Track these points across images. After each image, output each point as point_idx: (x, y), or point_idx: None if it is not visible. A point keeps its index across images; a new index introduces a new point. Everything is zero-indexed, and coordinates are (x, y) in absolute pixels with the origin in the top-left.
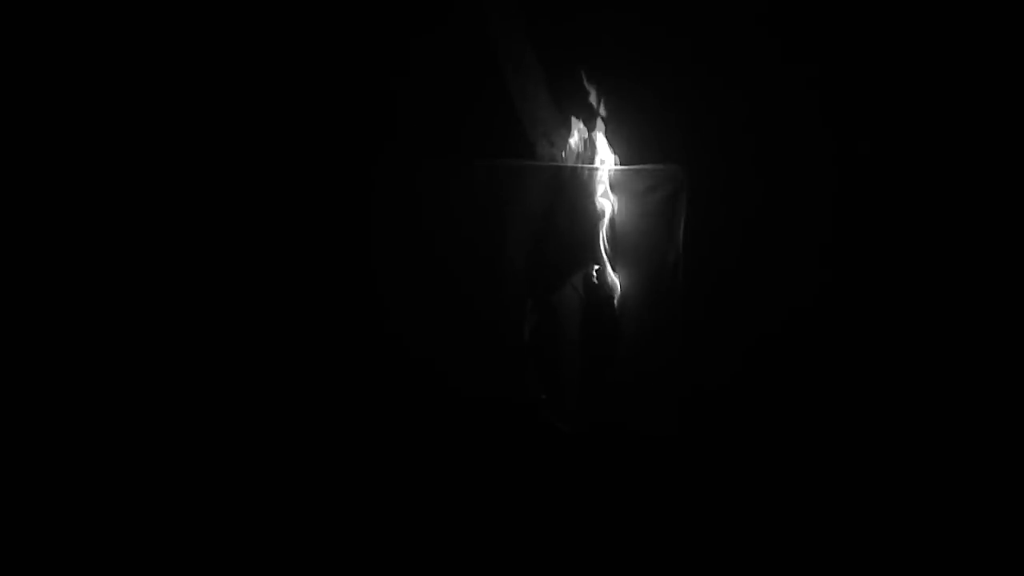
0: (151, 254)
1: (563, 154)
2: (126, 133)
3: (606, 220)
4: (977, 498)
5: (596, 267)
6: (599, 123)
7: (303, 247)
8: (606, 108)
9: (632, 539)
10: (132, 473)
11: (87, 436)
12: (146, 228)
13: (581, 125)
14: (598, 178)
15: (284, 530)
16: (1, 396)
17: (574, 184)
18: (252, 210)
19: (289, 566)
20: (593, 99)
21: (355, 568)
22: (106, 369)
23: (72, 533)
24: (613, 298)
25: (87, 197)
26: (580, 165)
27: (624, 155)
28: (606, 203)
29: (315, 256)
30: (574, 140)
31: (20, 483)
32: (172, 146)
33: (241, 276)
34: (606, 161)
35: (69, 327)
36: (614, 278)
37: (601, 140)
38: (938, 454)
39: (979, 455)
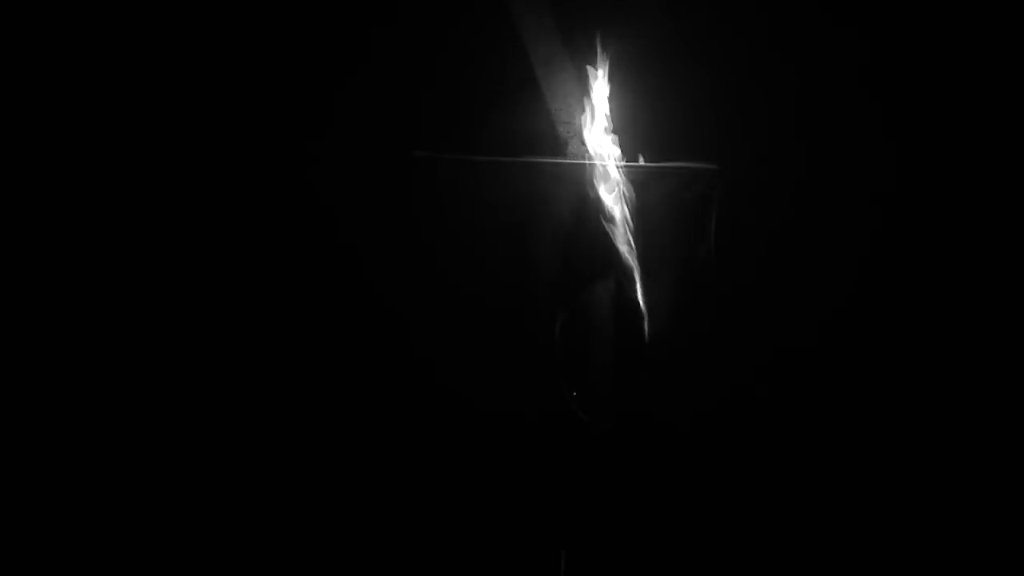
0: (150, 255)
1: (594, 152)
2: (118, 134)
3: (637, 219)
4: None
5: (626, 266)
6: (631, 121)
7: (320, 248)
8: (639, 106)
9: (651, 539)
10: (134, 473)
11: (88, 436)
12: (145, 228)
13: (613, 123)
14: (629, 176)
15: (293, 531)
16: (1, 396)
17: (605, 182)
18: (264, 211)
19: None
20: (625, 97)
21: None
22: (108, 369)
23: (72, 533)
24: (643, 297)
25: (82, 198)
26: (611, 163)
27: (656, 153)
28: (637, 201)
29: (335, 256)
30: (606, 138)
31: (20, 483)
32: (175, 145)
33: (256, 278)
34: (638, 159)
35: (69, 328)
36: (645, 277)
37: (633, 138)
38: (959, 454)
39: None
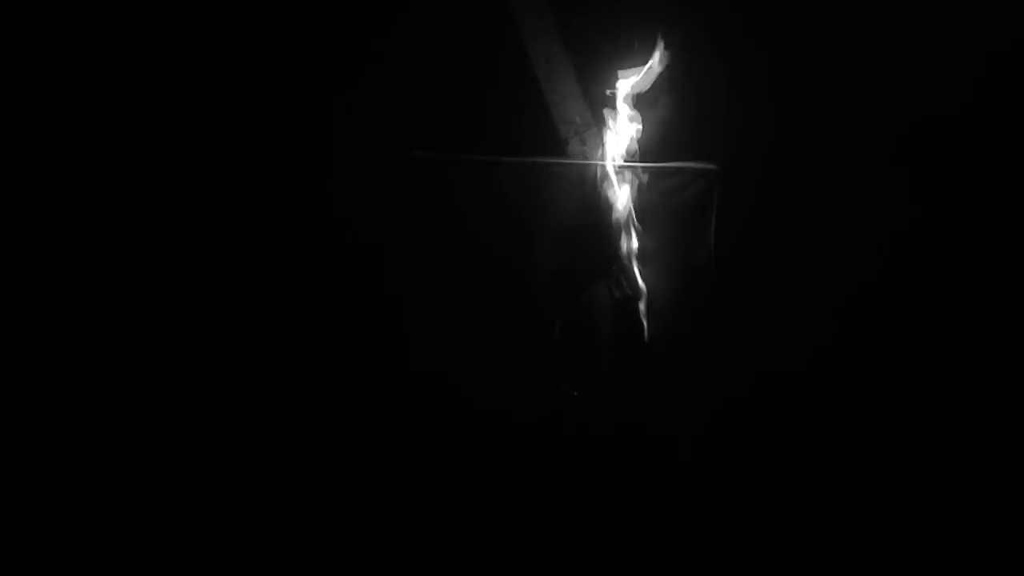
0: (153, 255)
1: (594, 152)
2: (122, 134)
3: (637, 218)
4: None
5: (627, 266)
6: (631, 121)
7: (320, 247)
8: (638, 106)
9: (650, 540)
10: (133, 473)
11: (88, 436)
12: (148, 228)
13: (613, 123)
14: (630, 176)
15: (291, 532)
16: (1, 396)
17: (605, 182)
18: (266, 211)
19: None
20: (625, 97)
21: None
22: (107, 369)
23: (72, 533)
24: (643, 297)
25: (84, 197)
26: (611, 163)
27: (656, 153)
28: (637, 201)
29: (337, 256)
30: (606, 138)
31: (20, 483)
32: (178, 148)
33: (259, 278)
34: (638, 159)
35: (70, 327)
36: (645, 277)
37: (633, 138)
38: (960, 460)
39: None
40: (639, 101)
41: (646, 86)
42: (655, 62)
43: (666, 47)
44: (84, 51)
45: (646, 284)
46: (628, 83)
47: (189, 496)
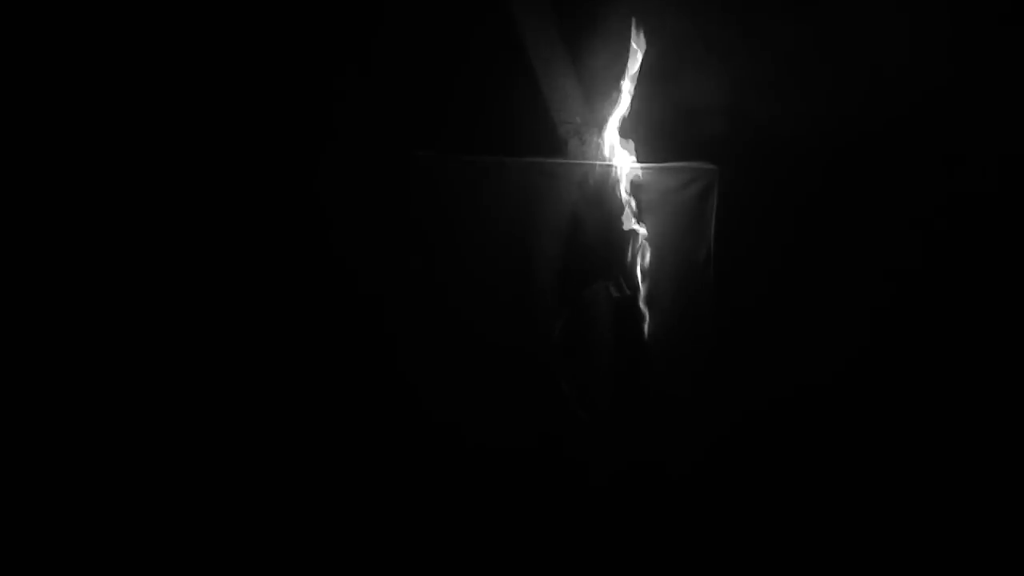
0: (145, 252)
1: (594, 152)
2: (118, 132)
3: (637, 218)
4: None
5: (627, 265)
6: (631, 121)
7: (319, 247)
8: (638, 106)
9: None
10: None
11: (80, 437)
12: (141, 226)
13: (612, 122)
14: (629, 176)
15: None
16: (1, 396)
17: (605, 182)
18: (264, 211)
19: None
20: (625, 97)
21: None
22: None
23: (71, 533)
24: (643, 296)
25: (78, 195)
26: (611, 163)
27: (656, 153)
28: (637, 201)
29: (335, 255)
30: (605, 138)
31: (20, 483)
32: (173, 146)
33: (256, 278)
34: (637, 159)
35: (57, 327)
36: (645, 276)
37: (632, 137)
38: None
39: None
40: (639, 101)
41: (646, 86)
42: (654, 63)
43: (665, 47)
44: (82, 49)
45: (646, 283)
46: (628, 83)
47: (176, 498)
